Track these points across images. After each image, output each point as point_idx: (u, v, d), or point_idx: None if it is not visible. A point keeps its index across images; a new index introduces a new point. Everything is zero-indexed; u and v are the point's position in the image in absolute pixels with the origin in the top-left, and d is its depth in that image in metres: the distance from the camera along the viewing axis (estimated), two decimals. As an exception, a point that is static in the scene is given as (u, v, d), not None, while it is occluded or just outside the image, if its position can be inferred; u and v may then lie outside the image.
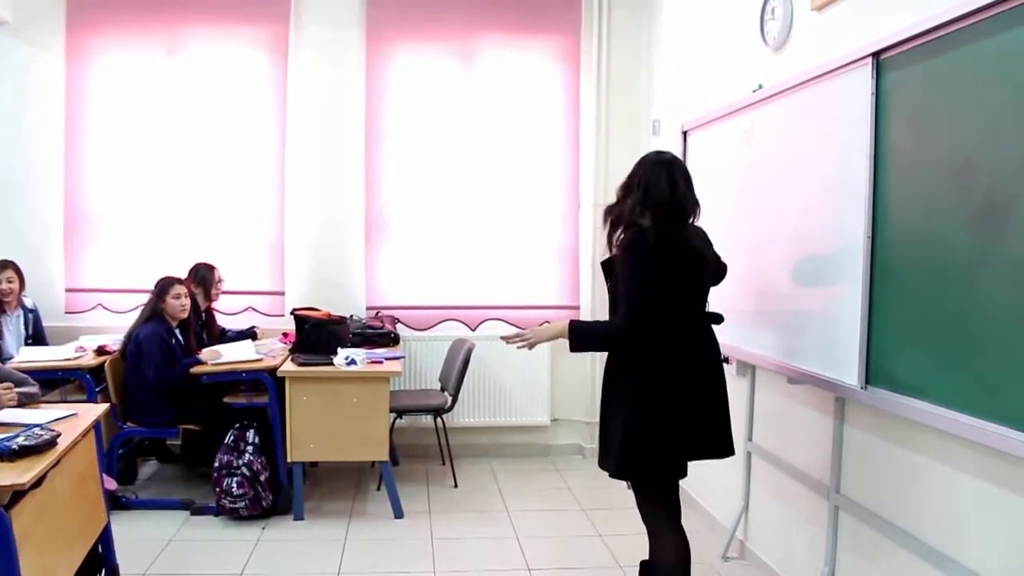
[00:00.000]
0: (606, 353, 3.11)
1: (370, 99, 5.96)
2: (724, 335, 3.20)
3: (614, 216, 3.05)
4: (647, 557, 3.25)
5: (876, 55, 2.81)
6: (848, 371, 2.99)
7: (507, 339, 3.19)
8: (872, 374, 2.88)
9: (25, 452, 2.79)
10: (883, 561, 3.01)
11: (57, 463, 2.90)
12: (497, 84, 6.02)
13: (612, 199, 5.79)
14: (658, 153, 3.11)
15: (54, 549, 3.00)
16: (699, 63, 4.93)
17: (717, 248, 3.20)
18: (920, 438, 2.77)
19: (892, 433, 2.94)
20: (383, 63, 5.95)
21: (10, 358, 4.89)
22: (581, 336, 3.03)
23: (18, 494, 2.65)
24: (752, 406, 4.10)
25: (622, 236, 2.99)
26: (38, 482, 2.72)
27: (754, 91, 3.79)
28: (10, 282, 5.19)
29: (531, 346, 3.15)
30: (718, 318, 3.13)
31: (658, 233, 2.89)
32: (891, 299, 2.81)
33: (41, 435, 2.90)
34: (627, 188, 3.03)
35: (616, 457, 2.99)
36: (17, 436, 2.85)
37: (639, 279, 2.90)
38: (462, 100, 6.00)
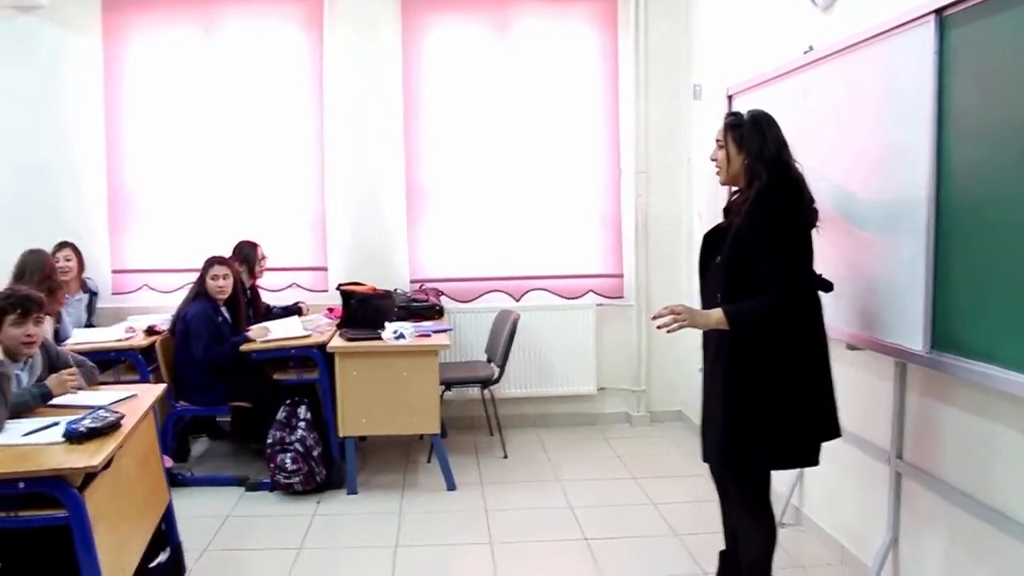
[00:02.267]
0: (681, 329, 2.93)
1: (407, 71, 5.93)
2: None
3: (745, 178, 2.94)
4: (724, 547, 3.29)
5: (939, 11, 2.72)
6: (912, 336, 2.93)
7: (658, 317, 2.91)
8: (938, 339, 2.83)
9: (92, 434, 2.83)
10: (948, 527, 2.99)
11: (122, 444, 2.93)
12: (534, 52, 5.96)
13: (653, 164, 5.85)
14: (759, 111, 3.00)
15: (124, 527, 3.05)
16: (742, 25, 4.85)
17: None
18: (989, 403, 2.73)
19: (959, 398, 2.90)
20: (419, 34, 5.91)
21: (66, 338, 4.94)
22: (744, 322, 2.82)
23: (89, 476, 2.69)
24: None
25: (752, 199, 2.86)
26: (107, 464, 2.75)
27: (805, 52, 3.71)
28: (67, 260, 5.23)
29: (679, 327, 2.89)
30: (829, 285, 3.06)
31: (808, 195, 2.88)
32: (958, 262, 2.74)
33: (107, 417, 2.94)
34: (754, 151, 2.89)
35: (773, 444, 2.87)
36: (84, 419, 2.88)
37: (794, 243, 2.83)
38: (499, 69, 5.96)
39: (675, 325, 2.88)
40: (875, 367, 3.44)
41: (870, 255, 3.26)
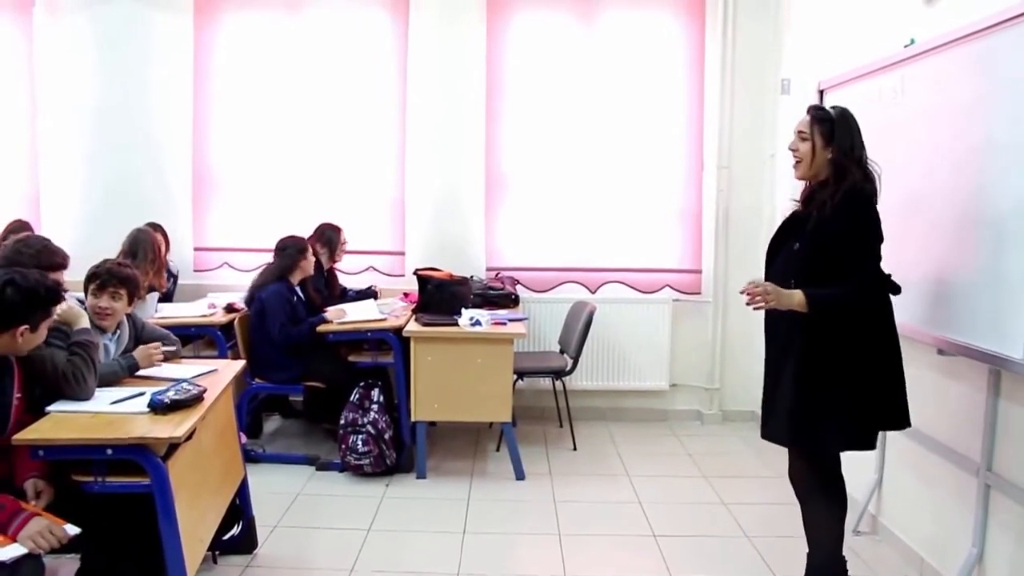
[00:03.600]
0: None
1: (491, 57, 5.91)
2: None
3: (831, 172, 2.97)
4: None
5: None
6: (1012, 343, 2.81)
7: (748, 292, 2.92)
8: (1039, 347, 2.72)
9: (176, 406, 2.88)
10: (1042, 543, 2.87)
11: (204, 417, 2.97)
12: (619, 42, 5.89)
13: (736, 159, 5.74)
14: (846, 108, 3.06)
15: (203, 499, 3.11)
16: (836, 18, 4.72)
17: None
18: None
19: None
20: (504, 21, 5.89)
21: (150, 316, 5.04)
22: (822, 308, 2.87)
23: (172, 446, 2.74)
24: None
25: (844, 193, 2.89)
26: (189, 435, 2.79)
27: (906, 46, 3.59)
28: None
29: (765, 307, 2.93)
30: (897, 288, 3.06)
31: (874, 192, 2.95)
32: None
33: (190, 390, 2.99)
34: (845, 148, 2.94)
35: (852, 426, 2.96)
36: (168, 391, 2.94)
37: (876, 241, 2.91)
38: (583, 58, 5.90)
39: (761, 303, 2.90)
40: (966, 374, 3.31)
41: (966, 257, 3.15)
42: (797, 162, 3.06)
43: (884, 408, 2.99)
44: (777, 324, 3.09)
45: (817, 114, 3.03)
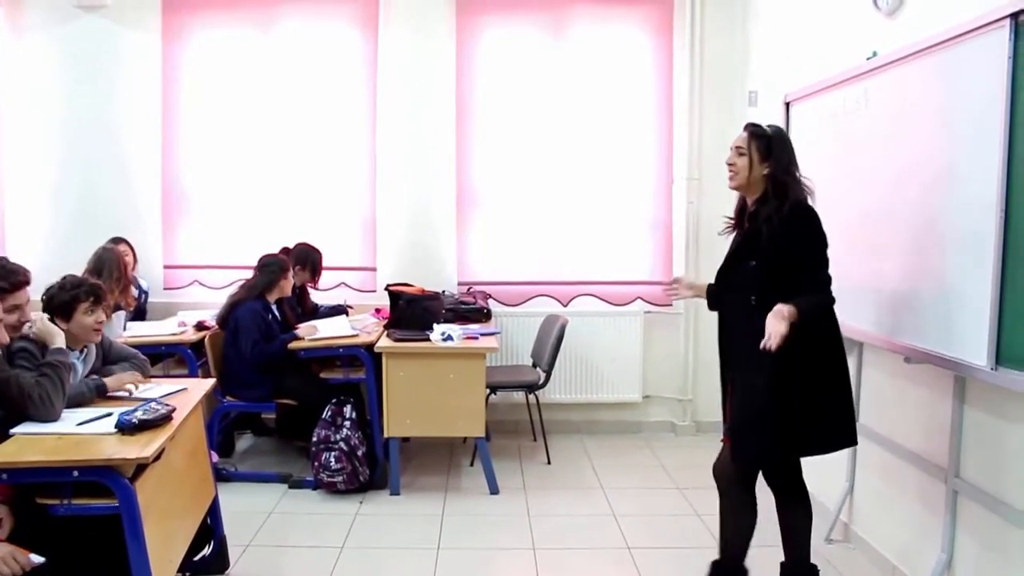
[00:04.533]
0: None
1: (460, 73, 5.93)
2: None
3: (771, 188, 3.08)
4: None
5: (1015, 16, 2.63)
6: (975, 351, 2.85)
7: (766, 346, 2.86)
8: (1003, 355, 2.75)
9: (144, 426, 2.84)
10: (1009, 550, 2.89)
11: (172, 437, 2.94)
12: (588, 56, 5.94)
13: (706, 171, 5.78)
14: (780, 127, 3.26)
15: (172, 519, 3.07)
16: (801, 32, 4.78)
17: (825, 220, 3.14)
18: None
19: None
20: (473, 36, 5.92)
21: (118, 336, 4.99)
22: (810, 313, 2.93)
23: (140, 467, 2.71)
24: (859, 385, 3.97)
25: (789, 208, 3.01)
26: (158, 455, 2.76)
27: (868, 59, 3.64)
28: (124, 255, 5.29)
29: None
30: None
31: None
32: (1027, 277, 2.66)
33: (158, 410, 2.95)
34: (783, 165, 3.08)
35: (830, 432, 3.10)
36: (136, 411, 2.90)
37: (825, 248, 3.02)
38: (553, 73, 5.93)
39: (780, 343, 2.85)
40: (931, 382, 3.36)
41: (930, 267, 3.19)
42: (734, 174, 3.17)
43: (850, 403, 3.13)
44: (740, 342, 3.18)
45: (755, 131, 3.15)
